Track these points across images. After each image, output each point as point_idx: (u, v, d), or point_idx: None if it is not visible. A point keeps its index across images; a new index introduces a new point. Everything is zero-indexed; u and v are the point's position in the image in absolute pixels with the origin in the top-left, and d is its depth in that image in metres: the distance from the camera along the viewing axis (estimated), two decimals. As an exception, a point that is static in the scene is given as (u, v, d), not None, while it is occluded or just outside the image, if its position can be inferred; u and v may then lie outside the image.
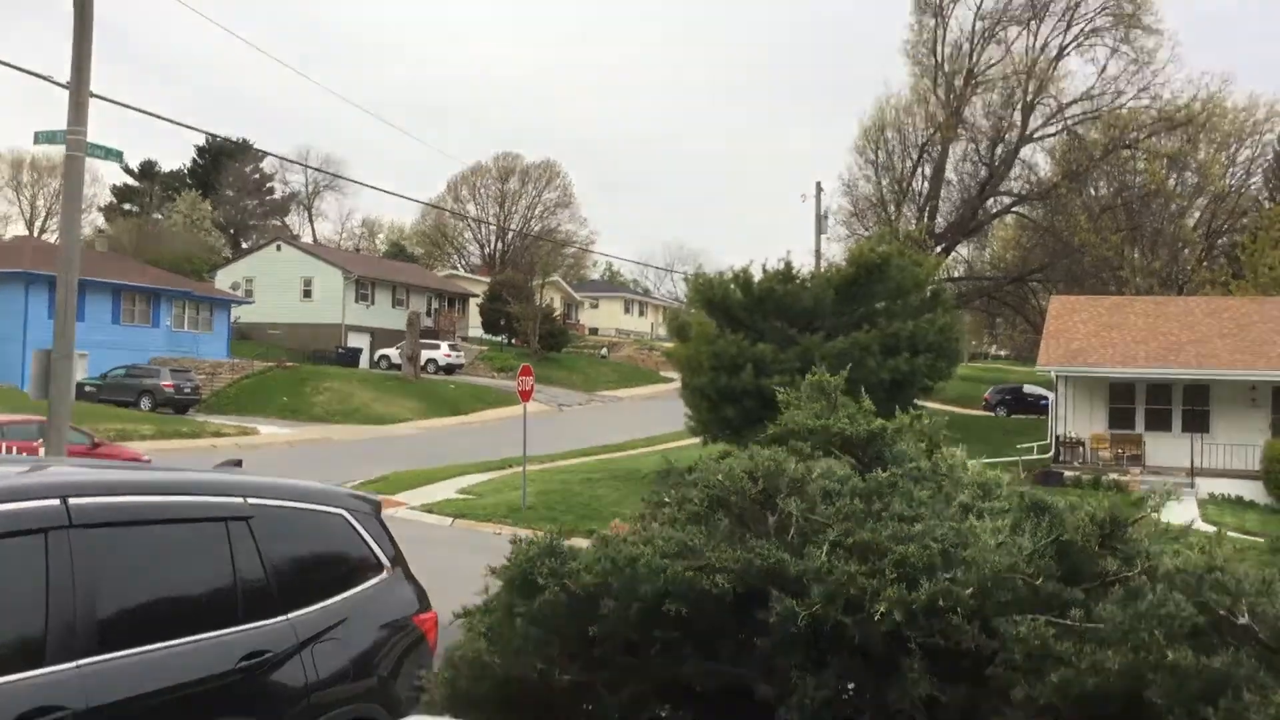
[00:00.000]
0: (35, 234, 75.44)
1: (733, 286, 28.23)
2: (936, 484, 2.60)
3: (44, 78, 14.77)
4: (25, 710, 3.64)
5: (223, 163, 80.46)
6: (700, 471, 2.51)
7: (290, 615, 4.83)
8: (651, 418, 45.95)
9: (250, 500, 4.95)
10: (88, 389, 39.77)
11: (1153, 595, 2.17)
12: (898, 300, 28.09)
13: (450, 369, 57.95)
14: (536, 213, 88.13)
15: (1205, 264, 53.24)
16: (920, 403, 27.08)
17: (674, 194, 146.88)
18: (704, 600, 2.12)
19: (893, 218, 56.21)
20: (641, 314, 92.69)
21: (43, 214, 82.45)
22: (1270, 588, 2.27)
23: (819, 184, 44.88)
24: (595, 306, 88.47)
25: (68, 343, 14.56)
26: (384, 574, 5.56)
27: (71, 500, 4.12)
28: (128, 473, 5.18)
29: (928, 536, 2.27)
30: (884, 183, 58.57)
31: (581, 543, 2.33)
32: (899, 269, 28.08)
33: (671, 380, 48.37)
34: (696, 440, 31.04)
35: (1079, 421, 33.21)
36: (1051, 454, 33.29)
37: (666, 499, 2.54)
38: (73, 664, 3.86)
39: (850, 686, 2.05)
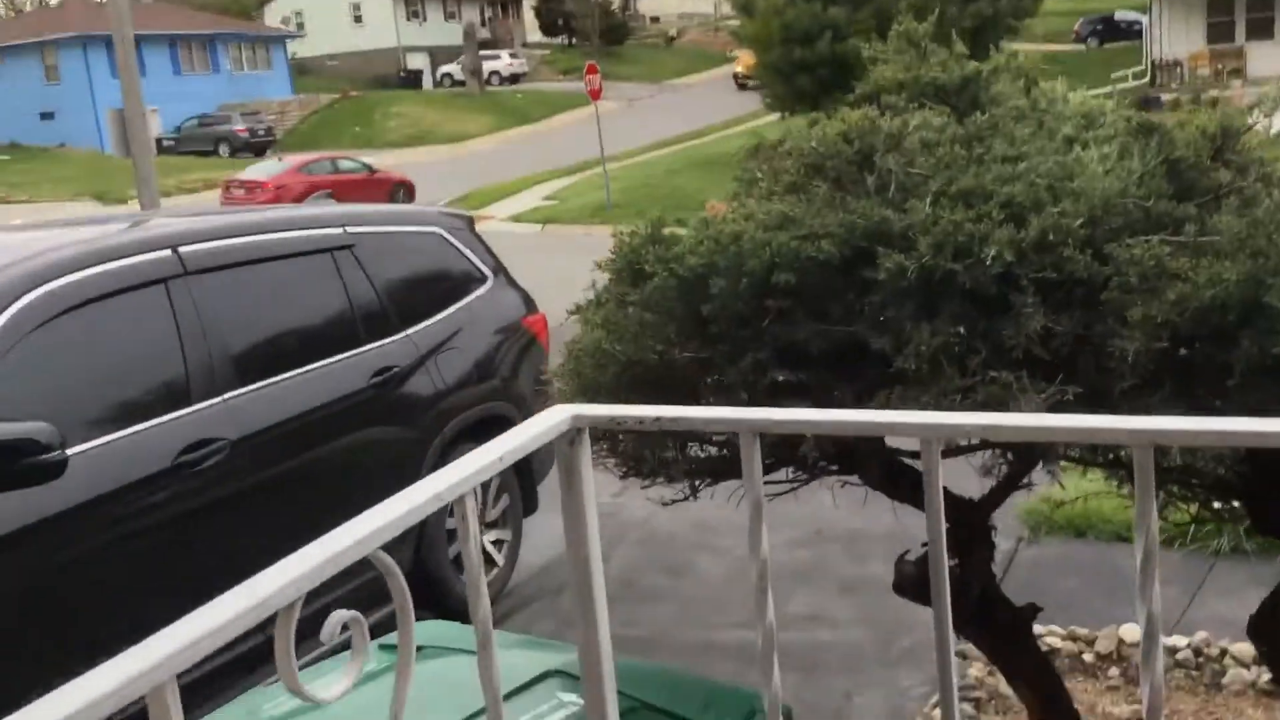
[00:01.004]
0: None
1: (798, -54, 26.58)
2: (1038, 120, 2.51)
3: None
4: (187, 443, 3.95)
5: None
6: (792, 141, 2.46)
7: (408, 331, 5.07)
8: (724, 100, 44.71)
9: (349, 229, 5.08)
10: (165, 143, 40.19)
11: (1269, 201, 2.13)
12: (976, -66, 26.18)
13: (514, 78, 56.75)
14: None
15: None
16: (1007, 45, 25.78)
17: None
18: (811, 268, 2.14)
19: None
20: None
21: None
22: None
23: None
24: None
25: (136, 99, 14.64)
26: (488, 283, 5.72)
27: (182, 249, 4.25)
28: (227, 217, 5.31)
29: (1033, 174, 2.23)
30: None
31: (679, 232, 2.35)
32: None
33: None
34: (775, 116, 30.40)
35: (1175, 41, 31.32)
36: (1148, 79, 31.71)
37: (760, 174, 2.52)
38: (219, 399, 4.13)
39: (961, 330, 2.08)
